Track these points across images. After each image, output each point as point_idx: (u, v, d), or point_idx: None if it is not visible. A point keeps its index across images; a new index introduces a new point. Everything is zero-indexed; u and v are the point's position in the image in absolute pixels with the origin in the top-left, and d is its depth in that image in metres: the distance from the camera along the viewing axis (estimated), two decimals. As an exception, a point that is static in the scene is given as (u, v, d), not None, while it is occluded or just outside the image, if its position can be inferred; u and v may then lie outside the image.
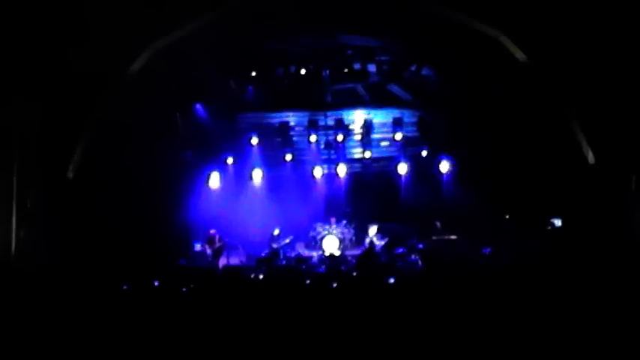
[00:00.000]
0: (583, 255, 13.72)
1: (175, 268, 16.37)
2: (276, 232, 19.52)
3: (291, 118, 21.36)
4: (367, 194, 21.17)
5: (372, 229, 19.61)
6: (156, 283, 11.86)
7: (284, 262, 18.50)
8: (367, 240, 19.18)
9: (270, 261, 18.21)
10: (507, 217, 18.67)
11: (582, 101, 16.18)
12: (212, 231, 18.77)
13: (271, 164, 21.13)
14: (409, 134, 21.30)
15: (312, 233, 20.75)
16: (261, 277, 14.43)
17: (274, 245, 19.16)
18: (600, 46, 15.11)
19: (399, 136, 21.09)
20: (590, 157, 16.40)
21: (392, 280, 11.54)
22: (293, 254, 19.32)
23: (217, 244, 18.63)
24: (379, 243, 19.03)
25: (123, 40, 14.94)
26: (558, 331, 8.11)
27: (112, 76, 16.03)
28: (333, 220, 20.85)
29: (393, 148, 21.68)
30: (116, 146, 16.39)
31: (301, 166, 21.56)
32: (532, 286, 9.96)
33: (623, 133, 15.66)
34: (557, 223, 17.84)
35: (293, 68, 19.86)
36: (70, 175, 16.16)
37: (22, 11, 13.82)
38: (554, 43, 15.67)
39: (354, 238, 20.82)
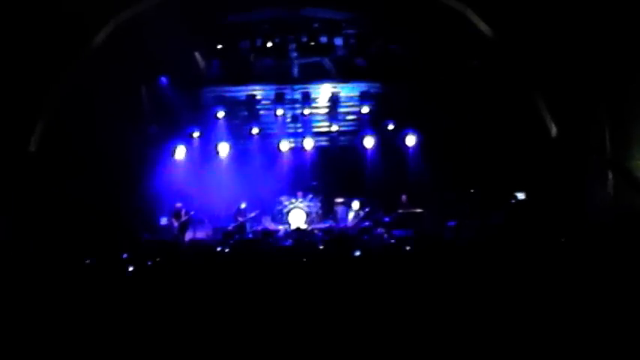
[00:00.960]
0: (544, 229, 13.91)
1: (140, 242, 16.28)
2: (243, 205, 19.53)
3: (258, 92, 21.24)
4: (333, 168, 21.20)
5: (356, 204, 19.83)
6: (124, 256, 11.78)
7: (250, 235, 18.52)
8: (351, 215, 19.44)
9: (237, 234, 18.22)
10: (472, 190, 18.79)
11: (546, 76, 16.35)
12: (178, 204, 18.70)
13: (237, 138, 21.05)
14: (375, 108, 21.34)
15: (278, 207, 20.76)
16: (227, 250, 14.39)
17: (240, 219, 19.18)
18: (565, 20, 15.24)
19: (365, 109, 21.14)
20: (553, 131, 16.61)
21: (358, 254, 11.60)
22: (259, 228, 19.35)
23: (183, 218, 18.59)
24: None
25: (87, 12, 14.70)
26: (520, 307, 8.23)
27: (75, 48, 15.82)
28: (299, 193, 20.91)
29: (359, 122, 21.70)
30: (79, 119, 16.15)
31: (268, 139, 21.51)
32: (495, 260, 10.07)
33: (585, 107, 15.87)
34: (521, 196, 18.03)
35: (259, 41, 19.68)
36: (32, 148, 15.96)
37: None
38: (520, 17, 15.79)
39: (320, 212, 20.91)
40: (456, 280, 9.03)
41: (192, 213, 18.73)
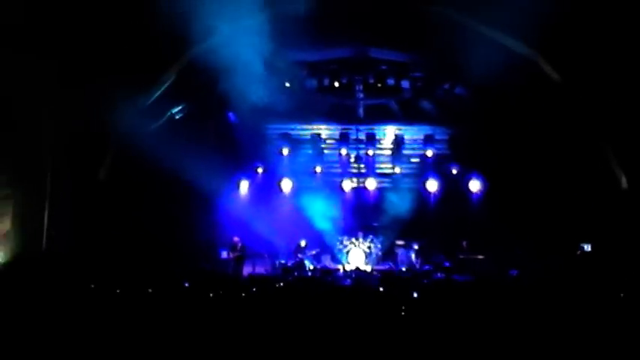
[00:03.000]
0: (612, 281, 13.53)
1: (198, 272, 16.43)
2: (303, 243, 19.57)
3: (323, 130, 21.46)
4: (395, 210, 21.06)
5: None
6: (185, 285, 11.94)
7: (309, 273, 18.50)
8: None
9: (296, 271, 18.23)
10: (535, 240, 18.41)
11: (616, 125, 16.05)
12: (235, 238, 18.83)
13: (301, 175, 21.15)
14: (440, 151, 21.32)
15: (338, 246, 20.72)
16: (285, 286, 14.40)
17: (300, 256, 19.21)
18: (635, 71, 14.98)
19: (429, 152, 21.09)
20: (624, 182, 16.24)
21: (415, 295, 11.49)
22: (319, 266, 19.33)
23: (238, 252, 18.67)
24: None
25: (160, 46, 15.10)
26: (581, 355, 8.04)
27: (147, 81, 16.26)
28: (360, 233, 20.82)
29: (422, 165, 21.62)
30: (147, 150, 16.52)
31: (331, 178, 21.57)
32: (556, 310, 9.86)
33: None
34: (587, 248, 17.59)
35: (326, 80, 19.91)
36: (102, 176, 16.38)
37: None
38: (589, 66, 15.58)
39: (380, 253, 20.77)
40: (512, 326, 8.87)
41: (248, 247, 18.80)
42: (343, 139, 21.32)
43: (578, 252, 17.58)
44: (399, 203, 21.08)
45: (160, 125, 17.65)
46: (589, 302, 10.57)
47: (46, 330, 8.56)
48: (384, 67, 19.76)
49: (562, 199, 18.03)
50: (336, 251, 20.71)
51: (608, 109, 16.08)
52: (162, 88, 16.99)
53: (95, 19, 14.20)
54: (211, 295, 11.46)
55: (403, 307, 10.61)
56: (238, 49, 16.01)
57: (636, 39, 14.50)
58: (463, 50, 16.80)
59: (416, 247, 19.88)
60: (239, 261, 18.61)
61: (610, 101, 15.90)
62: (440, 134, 21.28)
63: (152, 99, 17.01)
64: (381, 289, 13.69)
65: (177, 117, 18.49)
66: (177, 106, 18.41)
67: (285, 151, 21.06)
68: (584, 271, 16.44)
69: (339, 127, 21.41)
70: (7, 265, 14.57)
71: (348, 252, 20.62)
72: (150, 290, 11.20)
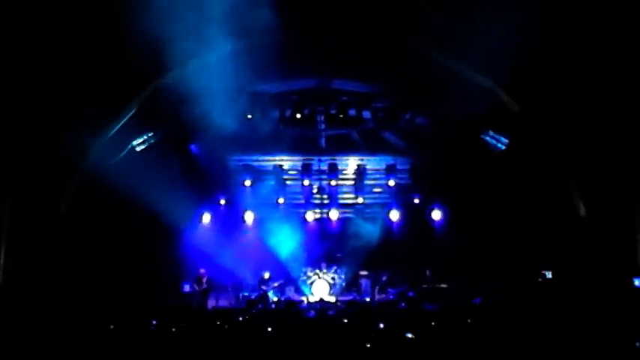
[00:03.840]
0: (573, 307, 13.67)
1: (167, 308, 16.25)
2: (267, 275, 19.48)
3: (285, 162, 21.46)
4: (359, 240, 21.08)
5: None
6: (153, 323, 11.77)
7: (273, 305, 18.39)
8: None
9: (260, 303, 18.10)
10: (498, 267, 18.56)
11: (575, 154, 16.33)
12: (202, 270, 18.70)
13: (264, 206, 21.07)
14: (402, 181, 21.45)
15: (302, 277, 20.64)
16: (249, 319, 14.28)
17: (264, 288, 19.09)
18: (592, 101, 15.28)
19: (391, 182, 21.21)
20: (582, 210, 16.49)
21: (381, 326, 11.47)
22: (283, 298, 19.22)
23: (204, 285, 18.52)
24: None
25: (123, 75, 15.02)
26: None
27: (109, 113, 16.15)
28: (323, 264, 20.78)
29: (385, 195, 21.74)
30: (109, 183, 16.36)
31: (293, 209, 21.53)
32: (521, 338, 9.91)
33: (614, 187, 15.78)
34: (548, 275, 17.77)
35: (288, 112, 19.96)
36: (63, 209, 16.18)
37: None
38: (548, 96, 15.86)
39: (344, 284, 20.74)
40: (478, 355, 8.90)
41: (213, 281, 18.66)
42: (305, 170, 21.32)
43: (540, 279, 17.73)
44: (363, 233, 21.11)
45: (122, 157, 17.48)
46: (552, 328, 10.67)
47: None
48: (345, 98, 19.88)
49: (522, 228, 18.23)
50: (300, 283, 20.63)
51: (567, 139, 16.37)
52: (124, 120, 16.86)
53: (55, 47, 14.04)
54: (174, 330, 11.33)
55: (369, 338, 10.59)
56: (200, 81, 16.00)
57: (591, 71, 14.82)
58: (424, 81, 17.06)
59: (384, 278, 19.90)
60: (205, 294, 18.45)
61: (568, 130, 16.18)
62: (402, 164, 21.41)
63: (113, 130, 16.85)
64: (346, 320, 13.67)
65: (138, 149, 18.33)
66: (139, 137, 18.26)
67: (248, 183, 20.99)
68: (546, 297, 16.58)
69: (302, 158, 21.43)
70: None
71: (312, 283, 20.55)
72: (112, 326, 11.02)
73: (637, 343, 9.16)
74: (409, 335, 10.96)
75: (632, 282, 15.61)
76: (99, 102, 15.14)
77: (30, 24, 13.40)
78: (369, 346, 9.83)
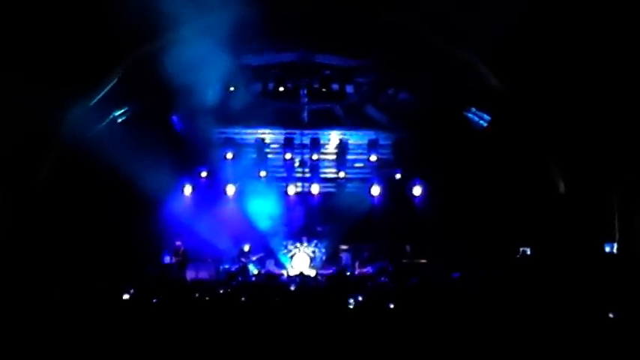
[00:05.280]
0: (550, 282, 13.83)
1: (143, 277, 16.25)
2: (247, 247, 19.49)
3: (267, 135, 21.41)
4: (339, 215, 21.13)
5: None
6: (131, 291, 11.79)
7: (253, 278, 18.43)
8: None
9: (239, 276, 18.13)
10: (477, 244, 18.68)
11: (556, 132, 16.41)
12: (178, 243, 18.66)
13: (245, 180, 21.02)
14: (384, 156, 21.46)
15: (282, 251, 20.67)
16: (229, 291, 14.33)
17: (243, 260, 19.10)
18: (574, 79, 15.33)
19: (373, 157, 21.21)
20: (561, 187, 16.61)
21: (360, 299, 11.56)
22: (263, 271, 19.26)
23: (180, 257, 18.48)
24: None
25: (106, 44, 14.85)
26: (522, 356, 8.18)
27: (91, 80, 16.00)
28: (304, 238, 20.82)
29: (367, 170, 21.78)
30: (90, 154, 16.25)
31: (275, 183, 21.52)
32: (498, 314, 10.02)
33: (594, 164, 15.89)
34: (527, 251, 17.92)
35: (271, 85, 19.90)
36: (42, 180, 16.06)
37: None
38: (531, 74, 15.89)
39: (324, 258, 20.80)
40: (455, 330, 8.98)
41: (189, 253, 18.64)
42: (287, 144, 21.30)
43: (519, 255, 17.88)
44: (344, 208, 21.15)
45: (102, 128, 17.36)
46: (529, 303, 10.79)
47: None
48: (328, 72, 19.82)
49: (502, 203, 18.33)
50: (280, 256, 20.65)
51: (548, 116, 16.43)
52: (105, 90, 16.70)
53: (35, 13, 13.84)
54: (154, 300, 11.35)
55: (348, 310, 10.67)
56: (183, 52, 15.88)
57: (576, 50, 14.85)
58: (407, 56, 17.03)
59: (364, 252, 20.00)
60: (181, 266, 18.44)
61: (549, 108, 16.25)
62: (383, 139, 21.42)
63: (94, 101, 16.70)
64: (325, 293, 13.77)
65: (119, 120, 18.20)
66: (120, 108, 18.12)
67: (230, 156, 20.92)
68: (524, 273, 16.74)
69: (284, 131, 21.38)
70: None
71: (292, 257, 20.60)
72: (91, 296, 11.02)
73: (610, 314, 9.30)
74: (390, 305, 11.08)
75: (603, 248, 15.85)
76: (79, 72, 15.00)
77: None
78: (347, 318, 9.92)
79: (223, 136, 21.19)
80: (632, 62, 14.36)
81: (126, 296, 11.83)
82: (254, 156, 21.45)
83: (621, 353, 8.08)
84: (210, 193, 20.78)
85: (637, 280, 13.03)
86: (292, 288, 15.53)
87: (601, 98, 15.17)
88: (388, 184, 21.24)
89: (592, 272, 14.21)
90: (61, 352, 8.14)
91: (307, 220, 21.30)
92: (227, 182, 20.78)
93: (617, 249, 15.81)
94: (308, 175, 21.86)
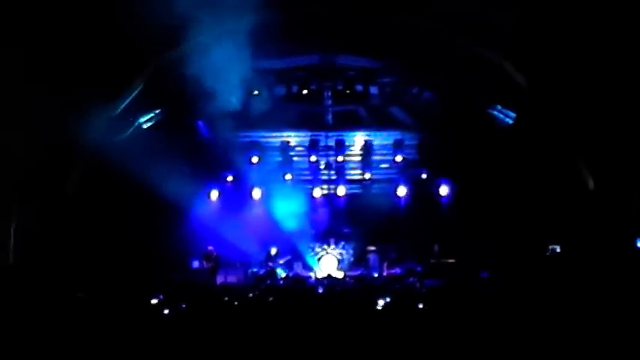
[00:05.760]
0: (581, 281, 13.68)
1: (171, 283, 16.32)
2: (274, 251, 19.53)
3: (292, 138, 21.44)
4: (366, 216, 21.06)
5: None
6: (160, 297, 11.85)
7: (281, 281, 18.45)
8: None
9: (268, 279, 18.17)
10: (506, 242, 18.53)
11: (582, 128, 16.24)
12: (210, 247, 18.74)
13: (271, 183, 21.05)
14: (409, 157, 21.37)
15: (310, 253, 20.68)
16: (258, 295, 14.37)
17: (271, 264, 19.14)
18: (601, 75, 15.18)
19: (399, 158, 21.15)
20: (590, 184, 16.44)
21: (388, 300, 11.53)
22: (291, 274, 19.29)
23: (212, 262, 18.56)
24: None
25: (128, 52, 14.96)
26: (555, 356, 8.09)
27: (114, 89, 16.13)
28: (331, 240, 20.81)
29: (392, 171, 21.71)
30: (116, 161, 16.39)
31: (301, 185, 21.53)
32: (528, 312, 9.93)
33: (622, 161, 15.71)
34: (557, 249, 17.76)
35: (295, 88, 19.96)
36: (70, 189, 16.22)
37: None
38: (555, 70, 15.76)
39: (352, 259, 20.78)
40: (484, 331, 8.91)
41: (222, 257, 18.72)
42: (312, 146, 21.29)
43: (548, 253, 17.73)
44: (370, 209, 21.11)
45: (128, 135, 17.51)
46: (560, 302, 10.68)
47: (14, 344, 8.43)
48: (351, 74, 19.82)
49: (530, 201, 18.18)
50: (307, 258, 20.67)
51: (575, 112, 16.28)
52: (131, 97, 16.85)
53: (60, 25, 13.99)
54: (184, 305, 11.39)
55: (377, 313, 10.64)
56: (208, 57, 15.97)
57: (603, 45, 14.70)
58: (431, 55, 16.96)
59: (392, 253, 19.93)
60: (213, 271, 18.52)
61: (576, 104, 16.09)
62: (409, 140, 21.32)
63: (120, 108, 16.86)
64: (354, 295, 13.73)
65: (145, 127, 18.35)
66: (146, 115, 18.27)
67: (255, 160, 20.97)
68: (553, 271, 16.59)
69: (308, 134, 21.39)
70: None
71: (319, 259, 20.60)
72: (120, 302, 11.09)
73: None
74: (420, 306, 11.03)
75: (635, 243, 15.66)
76: (103, 81, 15.14)
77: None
78: (376, 320, 9.88)
79: (248, 139, 21.23)
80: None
81: (154, 301, 11.88)
82: (279, 159, 21.48)
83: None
84: (236, 198, 20.83)
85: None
86: (320, 290, 15.55)
87: (628, 94, 15.00)
88: (414, 185, 21.16)
89: (623, 269, 14.05)
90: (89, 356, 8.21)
91: (334, 222, 21.29)
92: (253, 186, 20.81)
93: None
94: (334, 177, 21.86)
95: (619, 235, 15.86)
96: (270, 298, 12.99)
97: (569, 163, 17.18)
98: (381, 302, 11.56)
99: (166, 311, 10.83)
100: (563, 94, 16.15)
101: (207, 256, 18.66)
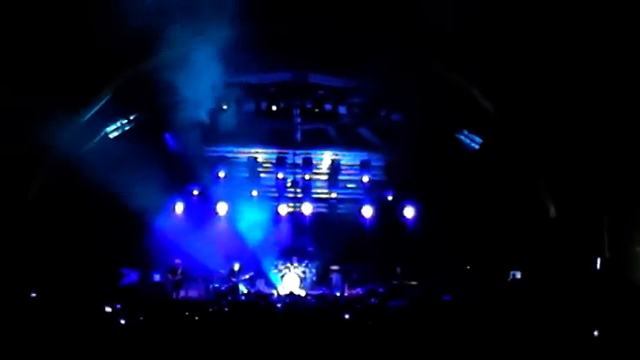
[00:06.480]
0: (542, 307, 13.80)
1: (135, 297, 16.16)
2: (236, 266, 19.39)
3: (260, 154, 21.40)
4: (331, 235, 21.07)
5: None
6: (117, 306, 11.72)
7: (243, 297, 18.34)
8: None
9: (230, 295, 18.05)
10: (468, 267, 18.66)
11: (546, 155, 16.48)
12: (177, 261, 18.56)
13: (237, 198, 20.95)
14: (376, 178, 21.45)
15: (273, 270, 20.60)
16: (219, 310, 14.27)
17: (234, 280, 19.02)
18: (565, 103, 15.43)
19: (365, 178, 21.21)
20: (552, 211, 16.64)
21: (347, 317, 11.54)
22: (253, 290, 19.18)
23: (179, 276, 18.40)
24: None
25: (97, 62, 14.87)
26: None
27: (81, 99, 16.00)
28: (294, 258, 20.76)
29: (359, 191, 21.75)
30: (80, 170, 16.23)
31: (267, 202, 21.45)
32: (487, 337, 10.00)
33: (584, 188, 15.94)
34: (518, 275, 17.91)
35: (264, 104, 19.96)
36: (31, 197, 16.02)
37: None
38: (522, 98, 15.99)
39: (314, 278, 20.74)
40: (443, 350, 8.97)
41: (181, 269, 18.56)
42: (280, 163, 21.28)
43: (509, 279, 17.87)
44: (335, 229, 21.12)
45: (94, 145, 17.36)
46: (519, 327, 10.77)
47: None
48: (321, 92, 19.89)
49: (493, 227, 18.35)
50: (270, 275, 20.58)
51: (539, 140, 16.50)
52: (99, 106, 16.72)
53: (29, 29, 13.87)
54: (142, 319, 11.27)
55: (336, 332, 10.62)
56: (178, 70, 15.94)
57: (568, 74, 14.97)
58: (400, 77, 17.11)
59: (354, 273, 19.91)
60: (178, 284, 18.33)
61: (541, 132, 16.32)
62: (376, 161, 21.43)
63: (87, 116, 16.72)
64: (314, 314, 13.70)
65: (111, 136, 18.22)
66: (113, 124, 18.15)
67: (222, 174, 20.89)
68: (514, 296, 16.72)
69: (276, 150, 21.38)
70: None
71: (282, 276, 20.54)
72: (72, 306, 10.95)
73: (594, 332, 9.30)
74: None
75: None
76: (72, 88, 15.00)
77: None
78: (336, 339, 9.87)
79: (216, 154, 21.16)
80: (622, 88, 14.48)
81: (108, 309, 11.73)
82: (246, 175, 21.41)
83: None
84: (201, 212, 20.69)
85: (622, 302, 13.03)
86: (280, 308, 15.50)
87: (591, 122, 15.26)
88: (380, 206, 21.22)
89: (581, 294, 14.23)
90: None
91: (298, 240, 21.23)
92: (218, 201, 20.70)
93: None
94: (300, 195, 21.83)
95: (578, 262, 16.04)
96: (231, 314, 12.92)
97: (532, 190, 17.38)
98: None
99: (122, 321, 10.70)
100: (529, 122, 16.38)
101: (173, 270, 18.47)
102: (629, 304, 13.20)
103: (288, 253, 20.91)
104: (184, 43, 15.51)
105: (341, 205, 22.07)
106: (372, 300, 17.75)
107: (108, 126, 18.09)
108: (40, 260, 15.62)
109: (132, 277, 18.75)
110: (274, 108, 19.91)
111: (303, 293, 19.40)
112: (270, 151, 21.45)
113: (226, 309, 14.75)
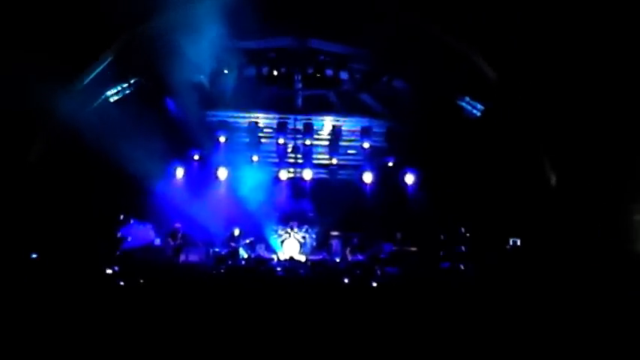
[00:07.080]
0: (540, 274, 13.87)
1: (136, 261, 16.24)
2: (237, 231, 19.46)
3: (260, 119, 21.35)
4: (331, 201, 21.12)
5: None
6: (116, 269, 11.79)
7: (243, 262, 18.44)
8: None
9: (229, 260, 18.13)
10: (464, 231, 18.64)
11: (549, 124, 16.40)
12: (177, 225, 18.62)
13: (237, 164, 20.95)
14: (377, 144, 21.43)
15: (273, 236, 20.68)
16: (219, 274, 14.35)
17: (233, 244, 19.09)
18: (569, 73, 15.33)
19: (366, 145, 21.19)
20: (553, 180, 16.62)
21: (346, 281, 11.60)
22: (253, 255, 19.27)
23: (179, 240, 18.47)
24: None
25: (97, 25, 14.75)
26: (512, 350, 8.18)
27: (81, 61, 15.91)
28: (295, 223, 20.83)
29: (359, 157, 21.76)
30: (81, 133, 16.18)
31: (267, 167, 21.47)
32: (485, 305, 10.04)
33: (586, 158, 15.90)
34: (517, 242, 17.95)
35: (265, 69, 19.87)
36: (32, 159, 16.00)
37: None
38: (525, 66, 15.88)
39: (314, 244, 20.82)
40: (441, 322, 8.99)
41: (182, 234, 18.62)
42: (281, 129, 21.22)
43: (509, 246, 17.92)
44: (335, 194, 21.16)
45: (95, 108, 17.28)
46: (519, 295, 10.82)
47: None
48: (323, 58, 19.79)
49: (494, 194, 18.34)
50: (270, 240, 20.66)
51: (542, 109, 16.43)
52: (99, 69, 16.63)
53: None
54: (142, 282, 11.34)
55: (334, 298, 10.68)
56: (179, 33, 15.83)
57: (573, 41, 14.85)
58: (402, 44, 16.99)
59: (354, 239, 19.94)
60: (178, 249, 18.41)
61: (544, 101, 16.24)
62: (377, 127, 21.39)
63: (87, 80, 16.63)
64: (313, 279, 13.78)
65: (112, 100, 18.15)
66: (114, 88, 18.07)
67: (222, 139, 20.87)
68: (513, 264, 16.80)
69: (277, 116, 21.33)
70: None
71: (282, 242, 20.63)
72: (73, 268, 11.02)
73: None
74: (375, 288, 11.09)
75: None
76: (72, 52, 14.92)
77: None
78: (334, 304, 9.93)
79: (216, 119, 21.13)
80: (627, 56, 14.37)
81: (109, 271, 11.80)
82: (247, 140, 21.39)
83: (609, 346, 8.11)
84: (202, 177, 20.71)
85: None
86: (280, 272, 15.56)
87: (595, 91, 15.17)
88: (380, 172, 21.24)
89: (582, 265, 14.29)
90: (43, 324, 8.14)
91: (298, 205, 21.27)
92: (219, 166, 20.70)
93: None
94: (300, 160, 21.84)
95: (579, 230, 16.05)
96: (231, 279, 13.00)
97: (533, 159, 17.34)
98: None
99: (122, 283, 10.77)
100: (532, 90, 16.29)
101: (173, 234, 18.55)
102: (628, 274, 13.24)
103: (288, 219, 20.98)
104: (186, 5, 15.38)
105: (341, 171, 22.11)
106: (372, 266, 17.84)
107: (108, 89, 17.99)
108: (40, 223, 15.64)
109: (135, 238, 18.84)
110: (275, 73, 19.80)
111: (303, 258, 19.49)
112: (271, 116, 21.39)
113: (225, 273, 14.83)
